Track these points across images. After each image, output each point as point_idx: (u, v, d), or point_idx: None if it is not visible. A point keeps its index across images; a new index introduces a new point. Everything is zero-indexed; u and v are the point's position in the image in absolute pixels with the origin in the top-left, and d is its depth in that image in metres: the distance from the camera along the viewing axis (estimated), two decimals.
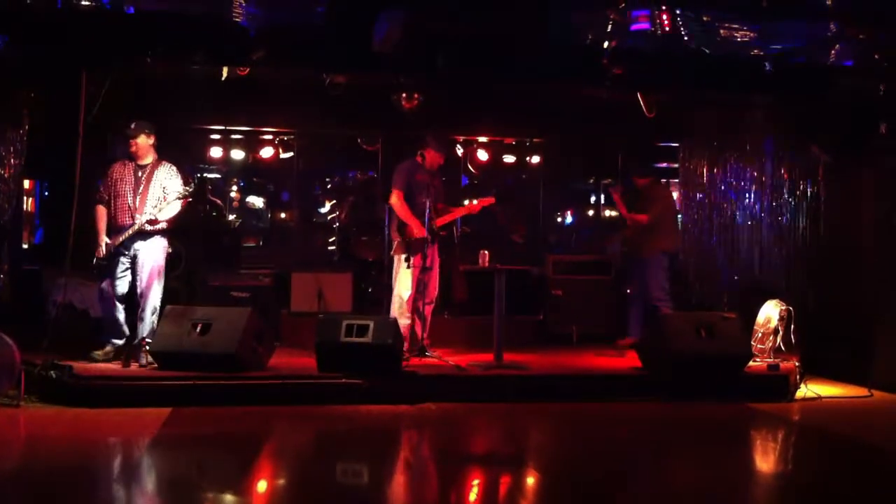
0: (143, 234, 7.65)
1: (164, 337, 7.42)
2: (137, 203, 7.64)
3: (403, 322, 8.11)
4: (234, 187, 13.73)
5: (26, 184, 10.47)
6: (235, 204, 13.64)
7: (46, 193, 11.35)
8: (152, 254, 7.70)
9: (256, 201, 13.00)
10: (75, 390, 6.87)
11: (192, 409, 6.75)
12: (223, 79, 8.87)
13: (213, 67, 8.62)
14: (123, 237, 7.60)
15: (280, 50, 7.96)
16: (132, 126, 7.75)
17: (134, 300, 7.77)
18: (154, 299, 7.71)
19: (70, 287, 8.12)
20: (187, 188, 7.76)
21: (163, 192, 7.68)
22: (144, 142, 7.75)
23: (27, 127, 8.11)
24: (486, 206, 8.84)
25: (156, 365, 7.37)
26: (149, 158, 7.79)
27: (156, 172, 7.74)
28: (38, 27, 7.64)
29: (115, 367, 7.46)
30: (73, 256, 7.71)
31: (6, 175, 8.10)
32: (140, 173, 7.74)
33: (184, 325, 7.41)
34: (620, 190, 9.73)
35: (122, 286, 7.73)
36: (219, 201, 11.92)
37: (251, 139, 11.29)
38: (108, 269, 7.68)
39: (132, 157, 7.78)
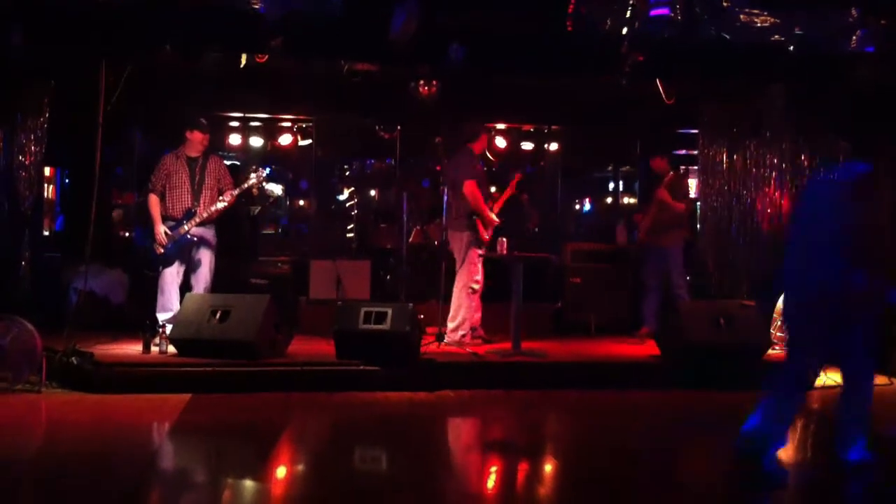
0: (201, 223, 8.13)
1: (183, 324, 7.48)
2: (197, 195, 8.12)
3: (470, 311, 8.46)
4: (253, 175, 13.72)
5: (47, 171, 10.54)
6: (254, 192, 13.66)
7: (67, 181, 11.42)
8: (210, 242, 8.22)
9: (275, 189, 13.00)
10: (96, 377, 6.93)
11: (212, 395, 6.81)
12: (241, 66, 8.88)
13: (231, 55, 8.64)
14: (188, 227, 8.05)
15: (297, 38, 7.96)
16: (203, 121, 8.26)
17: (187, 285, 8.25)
18: (208, 284, 8.17)
19: (91, 274, 8.19)
20: (260, 174, 8.42)
21: (218, 184, 8.21)
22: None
23: (47, 115, 8.18)
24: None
25: (175, 352, 7.44)
26: (200, 151, 8.25)
27: (208, 164, 8.23)
28: (56, 16, 7.67)
29: (135, 353, 7.52)
30: (94, 244, 7.76)
31: (27, 163, 8.18)
32: (194, 166, 8.19)
33: (203, 312, 7.46)
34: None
35: (181, 273, 8.15)
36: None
37: (269, 126, 11.31)
38: (168, 258, 8.06)
39: (191, 148, 8.21)
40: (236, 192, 8.23)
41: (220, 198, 8.14)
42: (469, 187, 8.42)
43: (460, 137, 8.92)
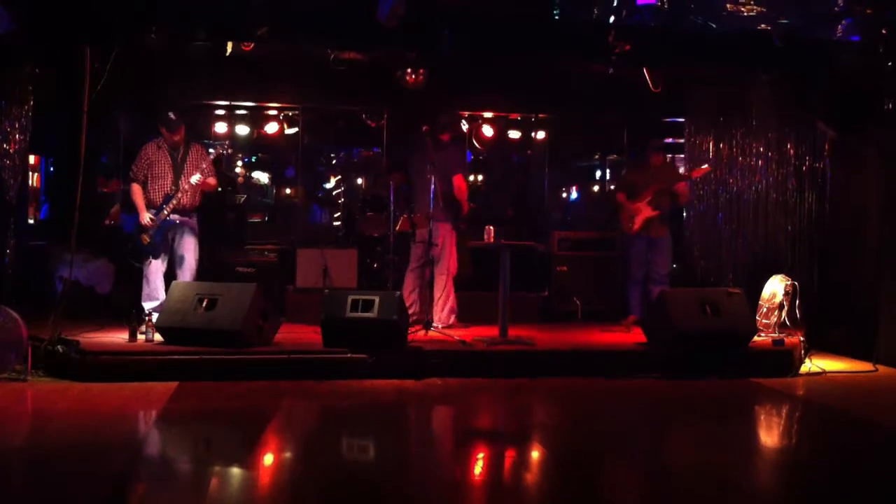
0: (183, 212, 8.10)
1: (169, 312, 7.45)
2: (180, 184, 8.06)
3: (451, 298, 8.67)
4: (239, 163, 13.72)
5: (31, 159, 10.47)
6: (240, 180, 13.64)
7: (52, 169, 11.35)
8: (192, 230, 8.19)
9: (261, 177, 12.98)
10: (82, 365, 6.91)
11: (199, 383, 6.79)
12: (227, 54, 8.84)
13: (217, 43, 8.59)
14: (167, 210, 8.00)
15: (284, 25, 7.92)
16: (171, 116, 8.10)
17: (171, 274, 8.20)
18: (194, 273, 8.16)
19: (76, 263, 8.15)
20: (220, 149, 8.41)
21: (201, 172, 8.12)
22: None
23: (32, 102, 8.13)
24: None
25: (162, 340, 7.42)
26: (178, 142, 8.18)
27: (190, 153, 8.18)
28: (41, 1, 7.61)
29: (121, 341, 7.50)
30: (79, 232, 7.73)
31: (11, 150, 8.12)
32: (176, 155, 8.15)
33: (189, 300, 7.44)
34: None
35: (166, 262, 8.15)
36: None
37: (256, 115, 11.26)
38: (154, 248, 8.05)
39: (169, 140, 8.13)
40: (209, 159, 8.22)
41: (196, 192, 8.11)
42: (459, 180, 8.60)
43: (442, 128, 8.88)
